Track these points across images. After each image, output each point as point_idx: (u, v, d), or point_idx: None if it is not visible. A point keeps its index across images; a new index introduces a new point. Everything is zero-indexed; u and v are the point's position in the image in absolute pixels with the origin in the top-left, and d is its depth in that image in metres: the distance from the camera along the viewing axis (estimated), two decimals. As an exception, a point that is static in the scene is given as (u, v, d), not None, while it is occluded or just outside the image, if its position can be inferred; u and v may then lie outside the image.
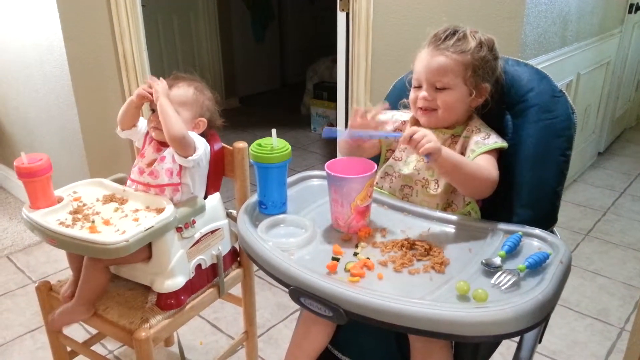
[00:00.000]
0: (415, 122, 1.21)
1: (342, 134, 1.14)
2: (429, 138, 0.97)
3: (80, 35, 2.18)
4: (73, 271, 1.32)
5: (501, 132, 1.16)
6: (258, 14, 4.94)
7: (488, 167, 1.07)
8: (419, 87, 1.15)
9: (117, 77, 2.29)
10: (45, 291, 1.38)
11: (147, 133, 1.36)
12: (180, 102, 1.30)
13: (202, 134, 1.35)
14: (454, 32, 1.11)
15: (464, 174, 1.04)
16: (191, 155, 1.26)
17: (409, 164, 1.18)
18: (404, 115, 1.25)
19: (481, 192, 1.08)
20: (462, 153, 1.13)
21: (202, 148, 1.28)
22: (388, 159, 1.23)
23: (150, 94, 1.27)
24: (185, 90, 1.32)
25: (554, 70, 2.31)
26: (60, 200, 1.26)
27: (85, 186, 1.36)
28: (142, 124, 1.37)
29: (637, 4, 3.14)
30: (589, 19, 2.64)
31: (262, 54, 5.11)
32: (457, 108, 1.14)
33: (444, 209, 1.14)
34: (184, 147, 1.25)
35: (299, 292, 0.89)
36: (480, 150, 1.09)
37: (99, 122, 2.27)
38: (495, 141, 1.10)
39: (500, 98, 1.17)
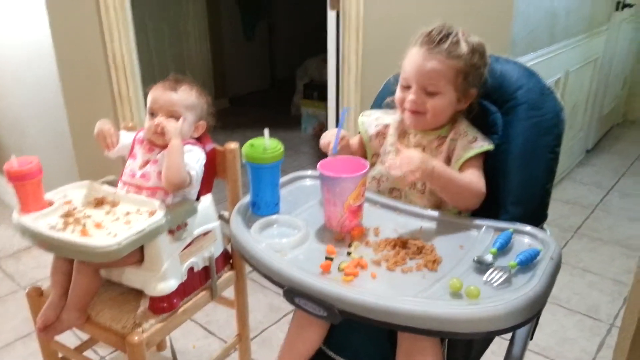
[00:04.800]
0: (401, 124, 1.21)
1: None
2: (417, 166, 0.99)
3: (69, 36, 2.16)
4: (54, 287, 1.29)
5: (491, 130, 1.17)
6: (248, 12, 4.92)
7: (477, 180, 1.09)
8: (407, 87, 1.14)
9: (107, 77, 2.27)
10: (36, 297, 1.36)
11: (134, 140, 1.36)
12: (187, 106, 1.30)
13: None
14: (448, 35, 1.09)
15: (456, 188, 1.06)
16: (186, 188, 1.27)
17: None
18: (386, 118, 1.24)
19: (471, 204, 1.10)
20: (449, 155, 1.14)
21: (196, 179, 1.28)
22: (374, 163, 1.24)
23: (109, 138, 1.30)
24: (189, 94, 1.31)
25: (543, 67, 2.33)
26: (50, 203, 1.25)
27: (75, 189, 1.34)
28: (124, 137, 1.36)
29: (624, 0, 3.17)
30: (577, 16, 2.67)
31: (252, 53, 5.10)
32: (445, 113, 1.14)
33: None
34: (181, 189, 1.27)
35: (293, 292, 0.89)
36: (468, 155, 1.10)
37: (88, 123, 2.23)
38: (482, 145, 1.11)
39: (489, 96, 1.18)
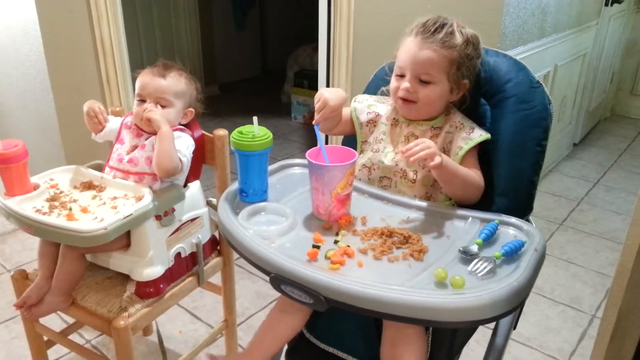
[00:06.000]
0: (393, 113, 1.21)
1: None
2: (434, 150, 0.99)
3: (56, 19, 2.13)
4: (41, 270, 1.28)
5: (480, 122, 1.18)
6: (238, 0, 4.88)
7: (478, 173, 1.11)
8: (402, 76, 1.14)
9: (95, 62, 2.24)
10: (21, 280, 1.36)
11: (121, 124, 1.34)
12: (176, 93, 1.29)
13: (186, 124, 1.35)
14: (443, 25, 1.10)
15: (461, 181, 1.07)
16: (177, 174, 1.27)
17: (387, 154, 1.19)
18: (379, 106, 1.24)
19: (474, 198, 1.11)
20: (444, 148, 1.15)
21: (187, 166, 1.28)
22: (364, 150, 1.24)
23: (100, 118, 1.30)
24: (178, 80, 1.30)
25: (533, 61, 2.34)
26: (36, 187, 1.24)
27: (61, 173, 1.34)
28: (111, 122, 1.35)
29: (614, -3, 3.19)
30: (567, 11, 2.68)
31: (243, 40, 5.05)
32: (438, 103, 1.15)
33: None
34: (172, 176, 1.26)
35: (280, 280, 0.89)
36: (468, 147, 1.11)
37: (75, 107, 2.21)
38: (480, 134, 1.12)
39: (479, 89, 1.19)
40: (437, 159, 1.00)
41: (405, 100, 1.14)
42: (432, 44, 1.09)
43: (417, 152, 0.99)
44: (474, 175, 1.10)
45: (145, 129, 1.30)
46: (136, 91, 1.30)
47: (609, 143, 3.68)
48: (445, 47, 1.09)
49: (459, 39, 1.10)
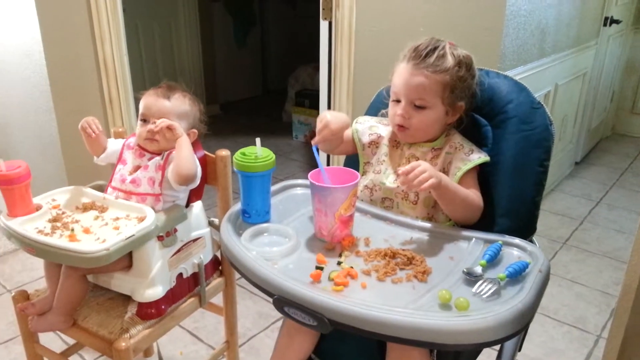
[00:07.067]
0: (394, 136, 1.22)
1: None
2: (429, 174, 1.00)
3: (59, 40, 2.15)
4: (50, 286, 1.28)
5: (481, 143, 1.18)
6: (240, 19, 4.93)
7: (477, 194, 1.11)
8: (398, 101, 1.15)
9: (97, 82, 2.26)
10: (22, 300, 1.34)
11: (123, 146, 1.35)
12: (180, 114, 1.30)
13: None
14: (434, 49, 1.11)
15: (460, 201, 1.07)
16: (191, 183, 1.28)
17: (388, 176, 1.19)
18: (381, 127, 1.25)
19: (473, 218, 1.11)
20: (444, 168, 1.15)
21: (199, 176, 1.29)
22: (366, 172, 1.24)
23: (92, 130, 1.30)
24: (182, 102, 1.31)
25: (533, 81, 2.35)
26: (39, 208, 1.24)
27: (64, 194, 1.33)
28: (112, 144, 1.37)
29: (612, 17, 3.22)
30: (566, 31, 2.70)
31: (244, 60, 5.10)
32: (434, 127, 1.15)
33: None
34: (190, 183, 1.27)
35: (283, 302, 0.89)
36: (466, 168, 1.11)
37: (77, 128, 2.24)
38: (479, 156, 1.12)
39: (479, 109, 1.19)
40: (431, 181, 1.00)
41: (401, 126, 1.15)
42: (424, 69, 1.10)
43: (411, 179, 1.00)
44: (474, 196, 1.10)
45: (148, 149, 1.30)
46: (140, 112, 1.30)
47: (610, 162, 3.69)
48: (437, 71, 1.09)
49: (450, 61, 1.10)
